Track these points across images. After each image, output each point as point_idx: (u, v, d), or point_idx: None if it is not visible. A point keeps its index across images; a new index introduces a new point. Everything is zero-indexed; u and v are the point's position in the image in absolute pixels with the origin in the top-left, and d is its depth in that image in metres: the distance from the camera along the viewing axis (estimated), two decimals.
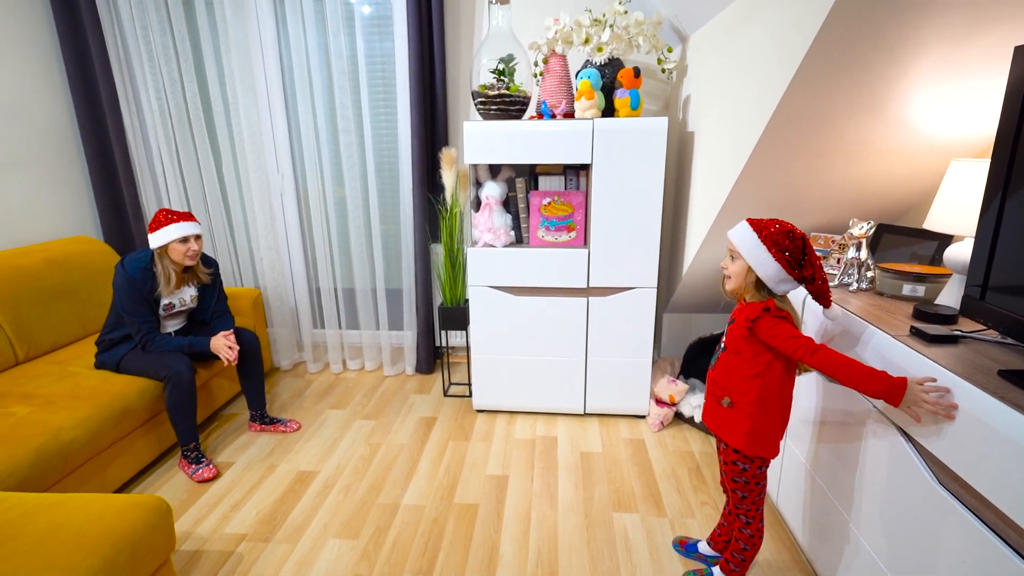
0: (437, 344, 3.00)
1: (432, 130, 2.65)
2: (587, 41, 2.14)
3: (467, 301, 2.60)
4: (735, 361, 1.27)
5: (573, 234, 2.28)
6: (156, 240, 1.97)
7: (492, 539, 1.73)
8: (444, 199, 2.50)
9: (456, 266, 2.52)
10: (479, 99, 2.20)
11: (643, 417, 2.44)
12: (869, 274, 1.55)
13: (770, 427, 1.27)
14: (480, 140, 2.15)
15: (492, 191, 2.28)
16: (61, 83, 2.59)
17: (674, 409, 2.35)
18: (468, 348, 2.75)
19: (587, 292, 2.28)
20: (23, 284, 2.14)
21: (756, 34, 1.51)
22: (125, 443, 1.90)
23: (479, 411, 2.53)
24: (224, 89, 2.64)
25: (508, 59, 2.19)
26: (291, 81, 2.67)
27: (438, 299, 2.89)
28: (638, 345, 2.30)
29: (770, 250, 1.17)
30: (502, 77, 2.19)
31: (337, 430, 2.37)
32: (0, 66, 2.32)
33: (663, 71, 2.24)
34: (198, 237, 2.04)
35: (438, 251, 2.79)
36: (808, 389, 1.54)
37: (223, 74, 2.62)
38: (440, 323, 2.61)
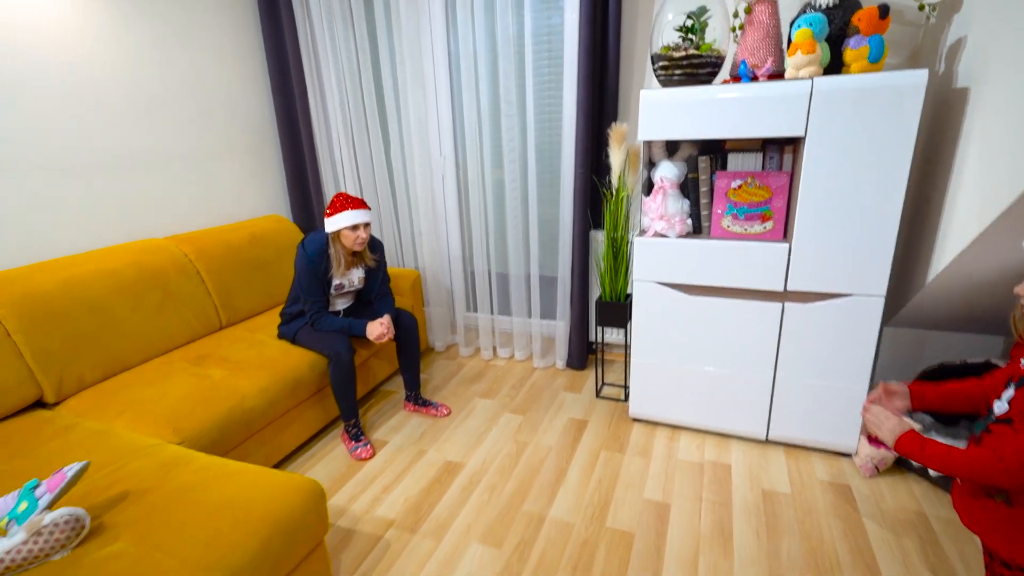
0: (591, 339, 2.78)
1: (600, 105, 2.39)
2: None
3: (629, 296, 2.33)
4: None
5: (769, 224, 1.86)
6: (330, 225, 2.04)
7: None
8: (609, 181, 2.23)
9: (620, 257, 2.26)
10: (660, 63, 1.88)
11: (848, 456, 1.95)
12: None
13: None
14: (659, 111, 1.83)
15: (667, 172, 1.96)
16: (263, 78, 2.86)
17: (894, 452, 1.82)
18: (627, 348, 2.48)
19: (783, 296, 1.85)
20: (228, 258, 2.40)
21: None
22: (296, 412, 2.02)
23: (636, 419, 2.26)
24: (395, 76, 2.68)
25: (700, 12, 1.83)
26: (457, 64, 2.62)
27: (595, 290, 2.66)
28: (850, 366, 1.82)
29: None
30: (690, 35, 1.84)
31: (485, 421, 2.29)
32: (221, 67, 2.61)
33: (920, 7, 1.67)
34: (367, 225, 2.07)
35: (599, 238, 2.54)
36: None
37: (395, 62, 2.65)
38: (597, 318, 2.37)
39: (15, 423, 1.64)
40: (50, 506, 1.12)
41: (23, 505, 1.08)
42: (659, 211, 1.97)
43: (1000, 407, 0.94)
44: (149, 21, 2.28)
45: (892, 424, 1.12)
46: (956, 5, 1.65)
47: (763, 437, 2.02)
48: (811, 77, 1.63)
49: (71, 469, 1.17)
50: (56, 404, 1.77)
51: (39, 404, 1.78)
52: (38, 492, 1.13)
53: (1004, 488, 0.87)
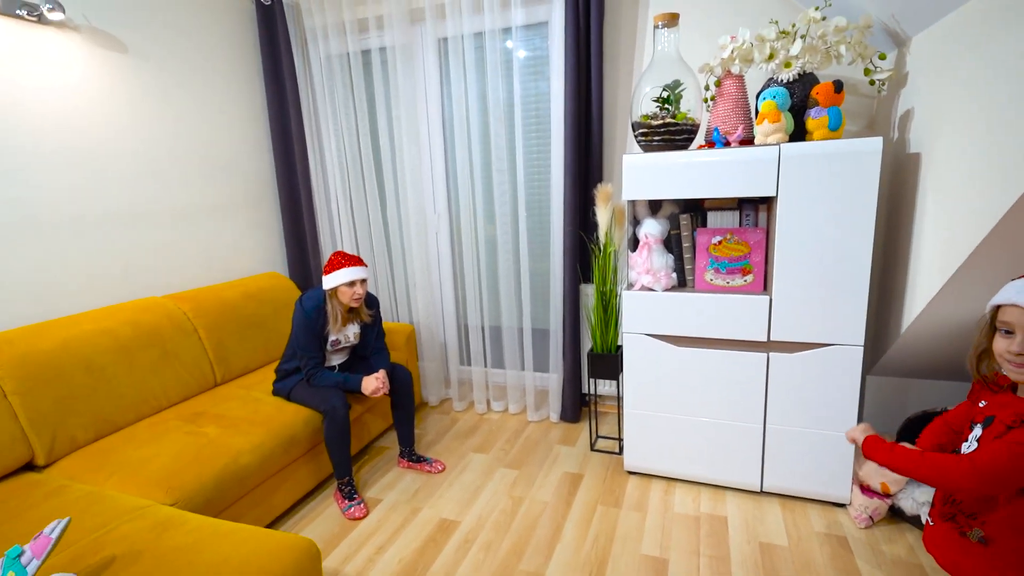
0: (584, 391, 2.81)
1: (586, 166, 2.53)
2: (771, 57, 1.86)
3: (619, 348, 2.38)
4: None
5: (750, 277, 1.95)
6: (328, 282, 2.10)
7: None
8: (597, 238, 2.34)
9: (609, 309, 2.33)
10: (640, 130, 2.02)
11: (842, 506, 1.95)
12: None
13: None
14: (640, 174, 1.96)
15: (651, 229, 2.06)
16: (265, 140, 3.01)
17: (888, 502, 1.84)
18: (619, 399, 2.51)
19: (767, 346, 1.92)
20: (225, 315, 2.44)
21: None
22: (290, 470, 2.01)
23: (630, 472, 2.25)
24: (392, 137, 2.83)
25: (674, 85, 1.99)
26: (451, 126, 2.79)
27: (587, 342, 2.71)
28: (836, 415, 1.86)
29: None
30: (667, 105, 2.00)
31: (479, 476, 2.28)
32: (225, 129, 2.76)
33: (871, 83, 1.85)
34: (363, 281, 2.13)
35: (588, 292, 2.63)
36: None
37: (392, 124, 2.81)
38: (589, 370, 2.42)
39: (3, 486, 1.62)
40: (37, 572, 1.10)
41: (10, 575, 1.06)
42: (645, 265, 2.07)
43: (969, 448, 0.99)
44: (157, 87, 2.43)
45: (863, 426, 1.24)
46: (903, 80, 1.83)
47: (758, 488, 2.03)
48: (778, 143, 1.78)
49: (54, 530, 1.12)
50: (46, 466, 1.75)
51: (28, 466, 1.76)
52: (24, 559, 1.09)
53: (965, 489, 0.89)
